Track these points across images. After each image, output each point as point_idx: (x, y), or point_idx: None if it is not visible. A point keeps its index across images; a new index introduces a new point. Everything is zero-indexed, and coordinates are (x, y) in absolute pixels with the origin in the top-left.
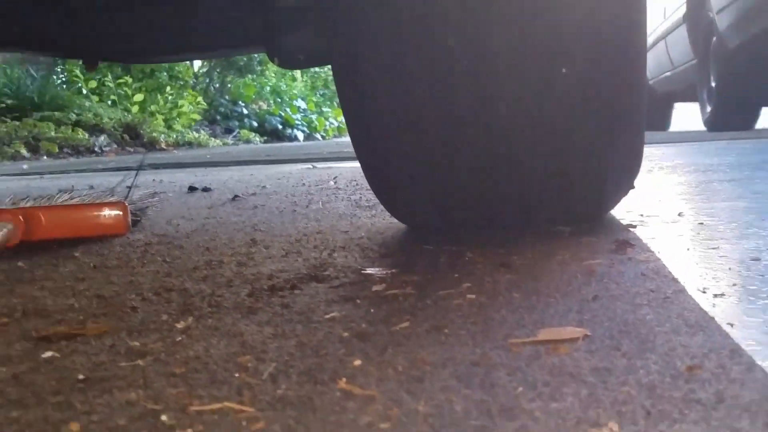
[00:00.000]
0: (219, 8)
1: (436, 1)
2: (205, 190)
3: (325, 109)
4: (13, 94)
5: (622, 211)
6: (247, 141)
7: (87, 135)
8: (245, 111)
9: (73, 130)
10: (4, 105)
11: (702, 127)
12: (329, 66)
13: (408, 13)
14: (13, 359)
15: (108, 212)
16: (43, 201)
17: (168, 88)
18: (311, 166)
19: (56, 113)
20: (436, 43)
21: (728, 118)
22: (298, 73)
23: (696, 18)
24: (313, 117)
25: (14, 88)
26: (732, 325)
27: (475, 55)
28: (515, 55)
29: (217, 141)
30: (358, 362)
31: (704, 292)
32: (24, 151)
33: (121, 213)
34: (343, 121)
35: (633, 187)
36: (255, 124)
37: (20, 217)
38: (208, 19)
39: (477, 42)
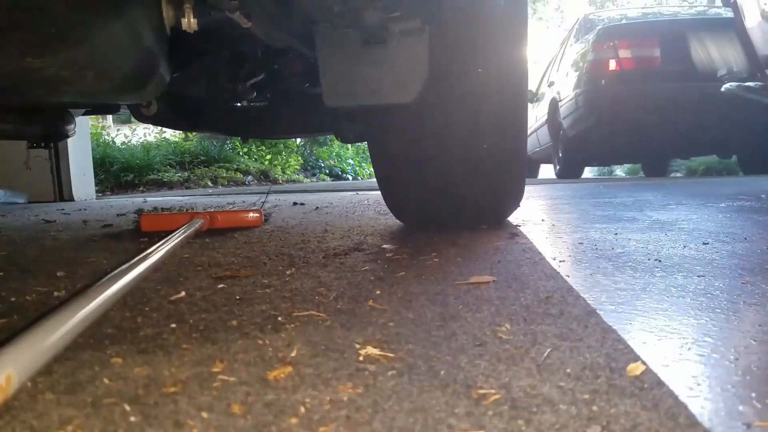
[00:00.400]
0: (314, 113)
1: (416, 115)
2: (301, 204)
3: (363, 164)
4: (204, 153)
5: (514, 218)
6: (323, 180)
7: (241, 175)
8: (322, 164)
9: (234, 173)
10: (199, 159)
11: (554, 176)
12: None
13: (403, 118)
14: (203, 288)
15: (252, 214)
16: (219, 208)
17: (283, 152)
18: (355, 193)
19: (226, 164)
20: (416, 131)
21: (567, 173)
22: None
23: (552, 120)
24: (357, 168)
25: (205, 150)
26: (568, 276)
27: (438, 132)
28: (462, 135)
29: (307, 180)
30: (378, 292)
31: (554, 259)
32: (209, 183)
33: (258, 215)
34: (371, 170)
35: (519, 206)
36: (327, 171)
37: (208, 216)
38: (308, 118)
39: (438, 126)
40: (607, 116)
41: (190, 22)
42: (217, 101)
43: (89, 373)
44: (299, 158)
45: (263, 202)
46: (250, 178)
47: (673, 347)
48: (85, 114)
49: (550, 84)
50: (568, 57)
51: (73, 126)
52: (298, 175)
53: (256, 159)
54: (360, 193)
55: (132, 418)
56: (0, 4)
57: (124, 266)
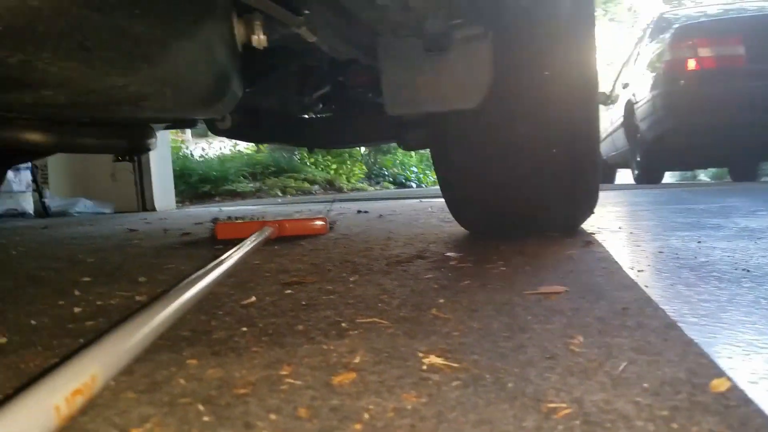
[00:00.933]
0: (378, 121)
1: (480, 120)
2: (365, 212)
3: (427, 171)
4: (274, 164)
5: (589, 225)
6: (386, 188)
7: (308, 185)
8: (386, 173)
9: (302, 182)
10: (270, 170)
11: (632, 182)
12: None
13: (467, 124)
14: (272, 294)
15: (318, 222)
16: (287, 216)
17: (348, 161)
18: (419, 201)
19: (294, 174)
20: (480, 136)
21: (646, 178)
22: (413, 152)
23: (628, 123)
24: (420, 176)
25: (275, 161)
26: (647, 287)
27: (503, 137)
28: (529, 140)
29: (371, 188)
30: (442, 300)
31: (632, 269)
32: (279, 193)
33: (324, 223)
34: (435, 177)
35: (593, 213)
36: (391, 179)
37: (276, 224)
38: (372, 127)
39: (504, 131)
40: (687, 118)
41: (259, 39)
42: (285, 114)
43: (166, 373)
44: (363, 167)
45: (328, 211)
46: (316, 187)
47: (762, 363)
48: (165, 128)
49: (625, 86)
50: (643, 57)
51: (154, 140)
52: (362, 183)
53: (322, 168)
54: (423, 200)
55: (205, 418)
56: (87, 25)
57: (200, 272)
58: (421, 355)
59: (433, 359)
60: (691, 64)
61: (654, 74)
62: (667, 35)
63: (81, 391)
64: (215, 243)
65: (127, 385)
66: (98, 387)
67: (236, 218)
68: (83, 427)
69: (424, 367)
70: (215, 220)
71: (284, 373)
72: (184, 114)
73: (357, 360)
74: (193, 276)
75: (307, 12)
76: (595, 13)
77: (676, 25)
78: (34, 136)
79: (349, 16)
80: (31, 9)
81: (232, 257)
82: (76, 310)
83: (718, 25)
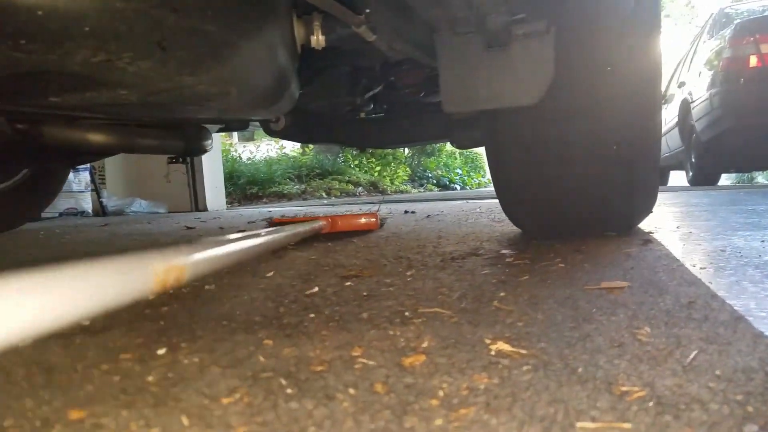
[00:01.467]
0: (428, 121)
1: (537, 117)
2: (412, 212)
3: (471, 173)
4: (319, 166)
5: (645, 225)
6: (430, 190)
7: (353, 186)
8: (430, 174)
9: (346, 184)
10: (315, 172)
11: (686, 184)
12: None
13: (523, 121)
14: (332, 285)
15: (369, 219)
16: (338, 212)
17: (392, 163)
18: (465, 202)
19: (338, 176)
20: (537, 134)
21: (701, 179)
22: (457, 153)
23: (684, 123)
24: (465, 178)
25: (320, 163)
26: (710, 283)
27: (561, 134)
28: (587, 138)
29: (415, 190)
30: (502, 294)
31: (694, 266)
32: (324, 194)
33: (375, 219)
34: (480, 180)
35: (651, 212)
36: (435, 181)
37: (329, 219)
38: (423, 127)
39: (561, 128)
40: (747, 118)
41: (318, 39)
42: (337, 114)
43: (245, 351)
44: (407, 169)
45: (378, 210)
46: (360, 189)
47: None
48: (218, 131)
49: (681, 84)
50: (701, 55)
51: (210, 141)
52: (405, 185)
53: (366, 171)
54: (470, 201)
55: (288, 390)
56: (161, 25)
57: (270, 228)
58: (488, 341)
59: (501, 345)
60: (753, 60)
61: (712, 72)
62: (728, 31)
63: (173, 270)
64: None
65: (210, 361)
66: (184, 279)
67: (285, 217)
68: (176, 395)
69: (493, 353)
70: (269, 219)
71: (356, 354)
72: (245, 114)
73: (425, 344)
74: (264, 230)
75: (367, 11)
76: (661, 14)
77: (737, 21)
78: (98, 137)
79: (409, 14)
80: (115, 10)
81: (292, 228)
82: (151, 297)
83: None
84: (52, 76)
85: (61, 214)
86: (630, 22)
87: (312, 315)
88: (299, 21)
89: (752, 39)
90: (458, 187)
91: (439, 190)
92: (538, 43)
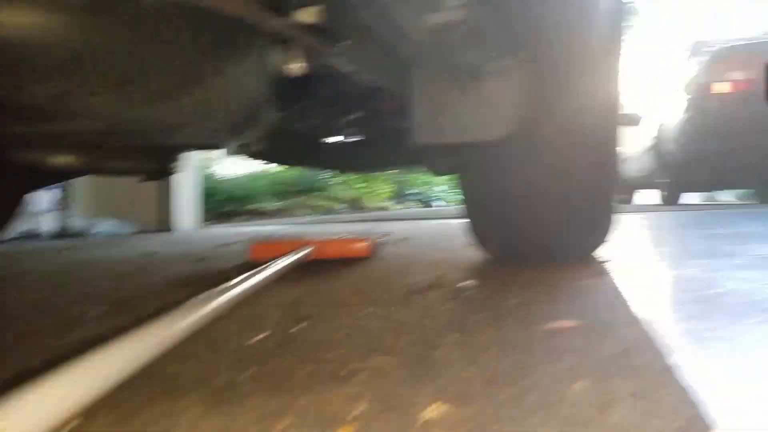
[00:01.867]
0: (408, 147)
1: (506, 149)
2: (388, 234)
3: (453, 190)
4: (301, 183)
5: (603, 252)
6: (412, 206)
7: (335, 204)
8: (413, 191)
9: (327, 201)
10: (297, 189)
11: (654, 202)
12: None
13: (493, 152)
14: (284, 328)
15: (359, 245)
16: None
17: (375, 180)
18: (443, 221)
19: (321, 193)
20: (506, 165)
21: (672, 199)
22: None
23: (660, 147)
24: (447, 195)
25: (303, 181)
26: (654, 323)
27: (528, 166)
28: (551, 169)
29: (397, 206)
30: (456, 336)
31: (640, 302)
32: (304, 212)
33: (369, 245)
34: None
35: (607, 240)
36: (417, 197)
37: (316, 245)
38: (402, 153)
39: (528, 160)
40: (718, 141)
41: (296, 68)
42: (316, 138)
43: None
44: (390, 185)
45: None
46: (341, 206)
47: (758, 416)
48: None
49: (656, 107)
50: (679, 80)
51: (181, 162)
52: (387, 202)
53: (348, 188)
54: (447, 221)
55: None
56: (132, 58)
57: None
58: (423, 404)
59: (436, 408)
60: (724, 87)
61: (688, 97)
62: (702, 58)
63: None
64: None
65: None
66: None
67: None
68: None
69: (424, 419)
70: (252, 242)
71: (281, 426)
72: (216, 141)
73: (360, 409)
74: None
75: (345, 42)
76: (622, 47)
77: (712, 49)
78: (61, 159)
79: (383, 47)
80: (76, 42)
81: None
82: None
83: (749, 49)
84: (11, 106)
85: (16, 237)
86: (593, 58)
87: (250, 371)
88: (275, 49)
89: (724, 66)
90: (440, 204)
91: (422, 207)
92: (505, 80)
